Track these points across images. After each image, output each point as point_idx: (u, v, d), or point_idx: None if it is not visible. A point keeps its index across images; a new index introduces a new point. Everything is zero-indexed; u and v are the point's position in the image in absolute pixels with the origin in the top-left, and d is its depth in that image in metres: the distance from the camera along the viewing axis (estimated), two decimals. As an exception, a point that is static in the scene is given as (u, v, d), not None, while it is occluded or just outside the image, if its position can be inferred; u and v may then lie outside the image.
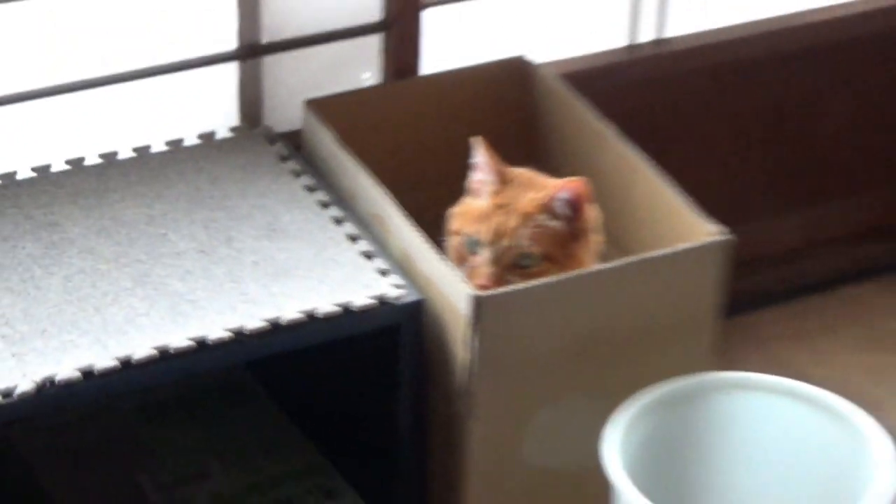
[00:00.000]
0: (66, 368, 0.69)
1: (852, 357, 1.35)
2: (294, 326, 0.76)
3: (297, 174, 1.01)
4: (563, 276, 0.81)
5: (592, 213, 0.88)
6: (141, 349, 0.71)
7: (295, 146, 1.06)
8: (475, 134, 0.88)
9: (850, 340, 1.37)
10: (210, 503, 0.92)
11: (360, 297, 0.79)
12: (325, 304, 0.77)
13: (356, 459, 0.97)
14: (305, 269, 0.84)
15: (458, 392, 0.82)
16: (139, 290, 0.79)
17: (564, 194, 0.84)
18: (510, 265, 0.83)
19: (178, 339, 0.71)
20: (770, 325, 1.38)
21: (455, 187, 0.92)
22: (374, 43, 1.11)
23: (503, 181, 0.87)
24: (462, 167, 0.91)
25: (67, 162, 0.98)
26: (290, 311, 0.75)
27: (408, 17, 1.08)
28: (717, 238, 0.86)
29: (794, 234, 1.36)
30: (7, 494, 0.96)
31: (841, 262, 1.39)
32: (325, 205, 0.96)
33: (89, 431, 0.98)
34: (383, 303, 0.79)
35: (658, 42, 1.21)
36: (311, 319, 0.77)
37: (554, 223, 0.84)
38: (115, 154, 1.00)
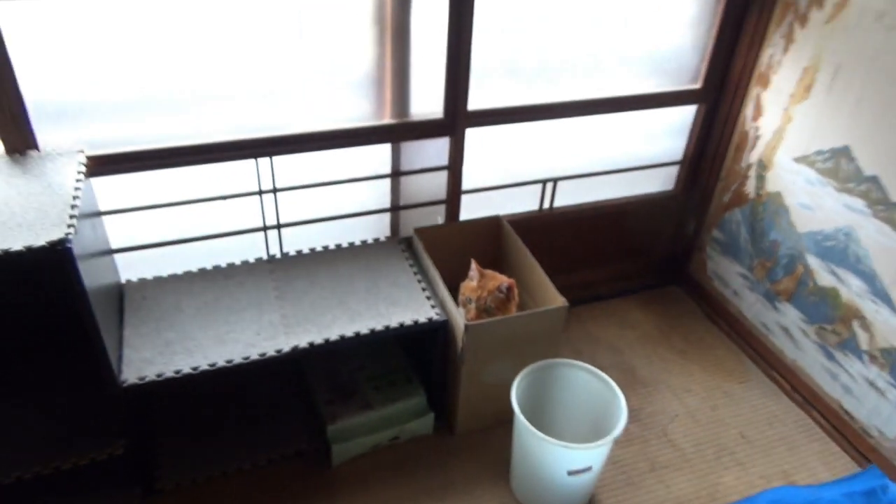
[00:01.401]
0: (303, 341, 1.90)
1: (613, 329, 2.68)
2: (395, 327, 1.97)
3: (409, 261, 2.26)
4: (499, 318, 1.99)
5: (515, 292, 2.06)
6: (335, 333, 1.94)
7: (410, 247, 2.33)
8: (480, 248, 2.17)
9: (614, 322, 2.69)
10: (366, 380, 2.18)
11: (422, 317, 2.00)
12: (408, 319, 1.98)
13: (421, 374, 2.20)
14: (404, 302, 2.06)
15: (459, 355, 2.00)
16: (339, 307, 2.01)
17: (505, 286, 2.03)
18: (482, 312, 2.03)
19: (349, 331, 1.92)
20: (584, 313, 2.75)
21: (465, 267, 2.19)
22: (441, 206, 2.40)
23: (482, 276, 2.08)
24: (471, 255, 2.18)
25: (321, 248, 2.27)
26: (393, 321, 1.96)
27: (454, 198, 2.35)
28: (561, 305, 2.02)
29: (599, 274, 2.79)
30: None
31: (617, 286, 2.85)
32: (416, 275, 2.19)
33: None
34: (430, 321, 2.00)
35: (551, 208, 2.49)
36: (401, 326, 1.97)
37: (500, 296, 2.04)
38: (340, 244, 2.30)
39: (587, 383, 2.06)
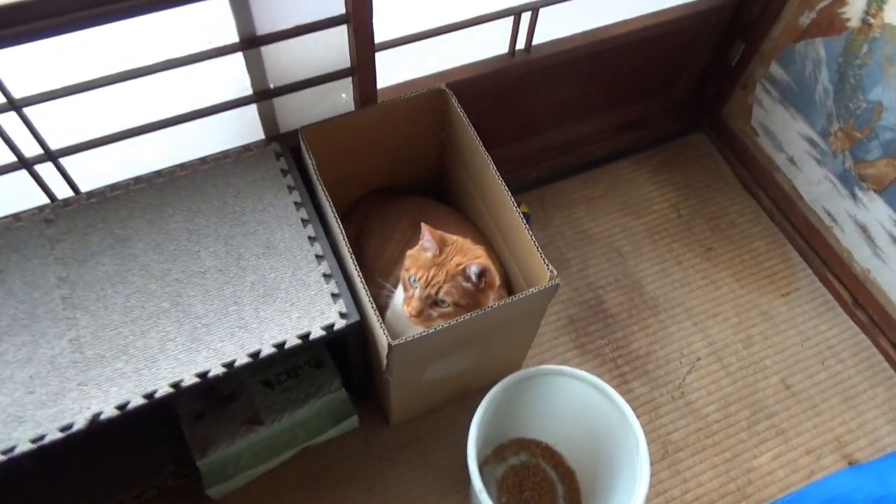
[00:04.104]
0: (109, 405, 1.06)
1: (613, 217, 1.93)
2: (268, 354, 1.16)
3: (290, 189, 1.35)
4: (446, 325, 1.18)
5: (494, 278, 1.22)
6: (162, 384, 1.09)
7: (296, 160, 1.39)
8: (414, 150, 1.52)
9: (613, 205, 1.95)
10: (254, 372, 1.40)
11: (316, 324, 1.19)
12: (288, 332, 1.17)
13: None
14: (284, 290, 1.23)
15: (386, 369, 1.24)
16: (173, 312, 1.17)
17: (474, 269, 1.19)
18: (431, 304, 1.21)
19: (189, 375, 1.10)
20: (570, 192, 1.97)
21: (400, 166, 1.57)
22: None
23: (442, 246, 1.23)
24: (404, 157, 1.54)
25: (143, 179, 1.32)
26: (265, 341, 1.16)
27: (366, 63, 1.34)
28: (548, 285, 1.23)
29: (592, 127, 1.99)
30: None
31: (618, 143, 2.04)
32: (304, 222, 1.31)
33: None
34: (329, 330, 1.19)
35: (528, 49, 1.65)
36: (280, 349, 1.17)
37: (465, 284, 1.21)
38: (174, 171, 1.35)
39: (586, 397, 1.36)
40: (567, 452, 1.53)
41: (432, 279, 1.20)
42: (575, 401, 1.38)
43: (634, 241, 1.88)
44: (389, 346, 1.15)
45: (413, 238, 1.47)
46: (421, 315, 1.21)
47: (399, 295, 1.30)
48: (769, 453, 1.60)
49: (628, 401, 1.62)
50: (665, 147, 2.06)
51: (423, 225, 1.23)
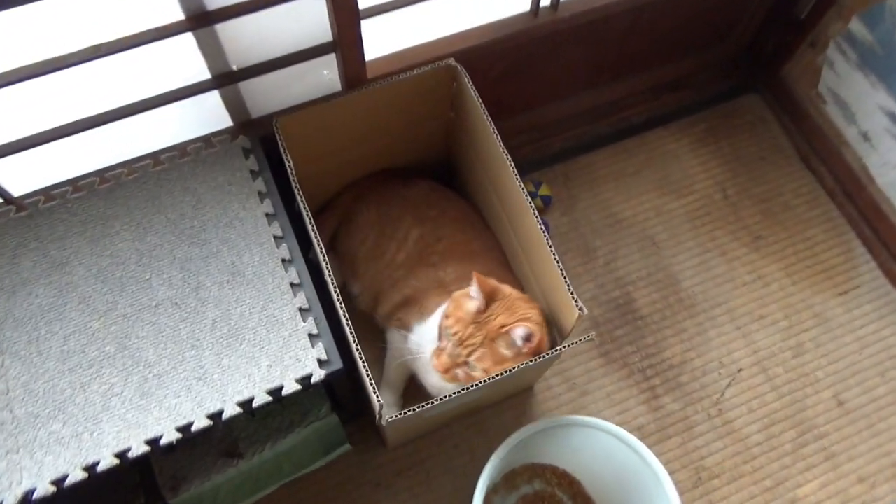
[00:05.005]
0: (44, 481, 0.89)
1: (648, 198, 1.66)
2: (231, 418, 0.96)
3: (262, 197, 1.12)
4: (457, 396, 0.98)
5: (542, 344, 1.03)
6: (106, 453, 0.91)
7: (268, 151, 1.15)
8: (418, 120, 1.27)
9: (649, 183, 1.68)
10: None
11: (289, 380, 0.98)
12: (259, 390, 0.97)
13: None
14: (252, 330, 1.02)
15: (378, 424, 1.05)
16: (119, 359, 0.97)
17: (521, 331, 0.99)
18: (460, 363, 1.03)
19: (137, 441, 0.92)
20: (599, 166, 1.69)
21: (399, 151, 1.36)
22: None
23: (490, 300, 1.02)
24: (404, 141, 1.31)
25: (83, 185, 1.09)
26: (230, 402, 0.96)
27: (350, 35, 1.07)
28: (583, 339, 1.03)
29: (628, 89, 1.72)
30: None
31: (657, 108, 1.75)
32: (278, 239, 1.09)
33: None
34: (307, 383, 0.99)
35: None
36: (247, 407, 0.97)
37: (505, 351, 1.01)
38: (119, 174, 1.11)
39: (616, 451, 1.18)
40: (588, 482, 1.36)
41: (467, 339, 1.01)
42: (600, 453, 1.18)
43: (671, 227, 1.63)
44: (380, 416, 0.95)
45: (418, 242, 1.24)
46: (449, 373, 1.03)
47: (432, 325, 1.11)
48: (816, 481, 1.41)
49: (659, 418, 1.44)
50: (712, 111, 1.76)
51: (474, 275, 1.02)
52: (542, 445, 1.23)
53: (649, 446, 1.40)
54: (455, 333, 1.02)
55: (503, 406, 1.43)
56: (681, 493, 1.37)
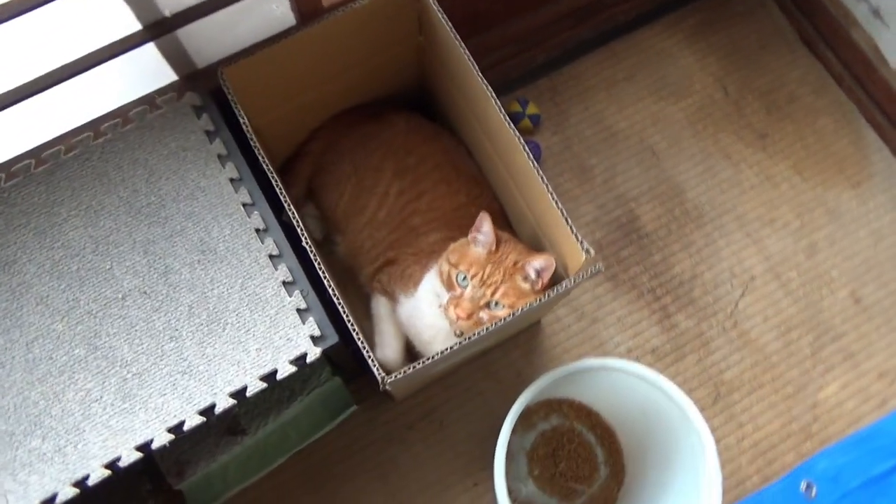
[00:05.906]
0: (32, 502, 0.81)
1: (643, 105, 1.54)
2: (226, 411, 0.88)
3: (223, 160, 1.00)
4: (455, 348, 0.91)
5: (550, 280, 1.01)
6: (95, 464, 0.84)
7: (223, 106, 1.02)
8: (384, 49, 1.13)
9: (643, 89, 1.55)
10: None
11: (283, 362, 0.90)
12: (252, 377, 0.89)
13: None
14: (234, 311, 0.92)
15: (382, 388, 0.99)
16: (92, 361, 0.87)
17: (538, 263, 1.00)
18: (483, 305, 1.00)
19: (126, 448, 0.84)
20: (588, 76, 1.56)
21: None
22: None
23: (498, 243, 1.03)
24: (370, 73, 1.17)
25: (16, 170, 0.96)
26: (221, 394, 0.88)
27: None
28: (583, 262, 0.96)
29: None
30: None
31: (635, 7, 1.57)
32: (248, 206, 0.98)
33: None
34: (303, 363, 0.91)
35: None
36: (241, 396, 0.89)
37: (523, 284, 1.02)
38: (56, 152, 0.98)
39: (638, 388, 1.12)
40: (606, 413, 1.31)
41: (488, 278, 0.99)
42: (620, 388, 1.13)
43: (671, 134, 1.52)
44: (383, 381, 0.87)
45: (398, 198, 1.14)
46: (472, 318, 1.00)
47: (424, 295, 1.08)
48: (836, 382, 1.38)
49: (673, 338, 1.39)
50: (704, 1, 1.61)
51: (482, 214, 1.01)
52: (559, 384, 1.17)
53: (665, 367, 1.37)
54: (475, 275, 1.00)
55: (509, 345, 1.37)
56: (701, 409, 1.33)
